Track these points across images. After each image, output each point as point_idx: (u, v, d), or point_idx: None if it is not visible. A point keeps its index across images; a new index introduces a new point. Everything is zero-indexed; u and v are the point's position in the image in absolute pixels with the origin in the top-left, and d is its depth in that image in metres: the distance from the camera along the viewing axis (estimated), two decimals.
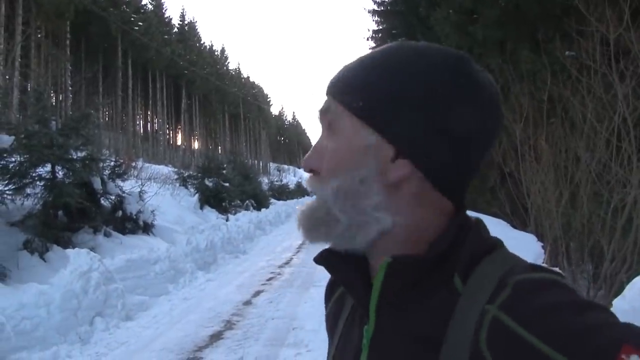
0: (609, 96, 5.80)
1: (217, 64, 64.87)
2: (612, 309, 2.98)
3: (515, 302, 0.51)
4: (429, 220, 0.60)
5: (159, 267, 7.49)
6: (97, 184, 9.16)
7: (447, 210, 0.61)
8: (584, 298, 0.52)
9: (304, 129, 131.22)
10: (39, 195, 7.90)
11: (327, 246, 0.66)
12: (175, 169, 24.11)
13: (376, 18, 19.72)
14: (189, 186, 18.45)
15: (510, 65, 7.91)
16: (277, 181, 41.16)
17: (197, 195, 16.96)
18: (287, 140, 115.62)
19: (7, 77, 25.40)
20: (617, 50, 5.81)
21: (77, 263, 5.70)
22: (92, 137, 9.46)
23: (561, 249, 6.37)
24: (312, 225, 0.63)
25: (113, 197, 9.78)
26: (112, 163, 10.43)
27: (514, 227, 8.29)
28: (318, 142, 0.66)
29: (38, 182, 8.00)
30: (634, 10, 5.68)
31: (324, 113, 0.65)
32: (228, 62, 71.01)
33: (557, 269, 0.57)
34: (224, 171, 19.59)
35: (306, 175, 0.69)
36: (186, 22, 58.65)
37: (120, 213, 9.82)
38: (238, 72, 77.24)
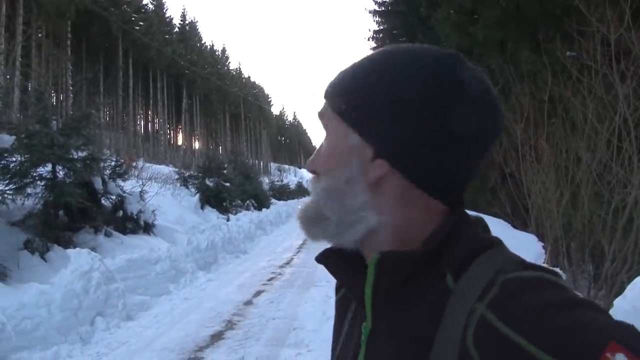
0: (609, 96, 5.80)
1: (218, 64, 64.91)
2: (613, 309, 2.99)
3: (503, 301, 0.51)
4: (416, 220, 0.61)
5: (159, 267, 7.50)
6: (98, 183, 9.16)
7: (440, 210, 0.61)
8: (575, 296, 0.51)
9: (305, 129, 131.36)
10: (40, 195, 7.91)
11: (328, 245, 0.68)
12: (176, 169, 24.14)
13: (377, 18, 19.75)
14: (190, 186, 18.47)
15: (510, 65, 7.91)
16: (277, 181, 41.20)
17: (197, 195, 16.98)
18: (288, 140, 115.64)
19: (8, 76, 25.42)
20: (618, 50, 5.81)
21: (78, 263, 5.71)
22: (93, 137, 9.46)
23: (562, 249, 6.36)
24: (308, 223, 0.66)
25: (114, 197, 9.78)
26: (113, 163, 10.44)
27: (515, 227, 8.28)
28: (319, 145, 0.69)
29: (39, 182, 8.00)
30: (634, 10, 5.68)
31: (321, 117, 0.67)
32: (229, 62, 71.12)
33: (553, 268, 0.57)
34: (225, 171, 19.60)
35: (308, 175, 0.70)
36: (187, 22, 58.70)
37: (121, 213, 9.83)
38: (239, 72, 77.31)
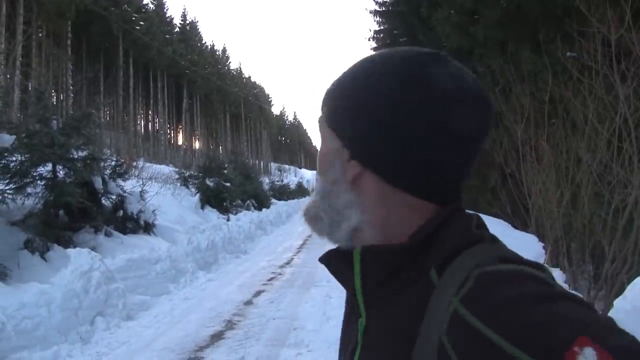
0: (610, 97, 5.80)
1: (219, 64, 64.90)
2: (613, 310, 2.99)
3: (476, 295, 0.51)
4: (399, 218, 0.62)
5: (160, 267, 7.50)
6: (98, 183, 9.17)
7: (428, 208, 0.62)
8: (553, 289, 0.51)
9: (305, 129, 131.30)
10: (40, 194, 7.91)
11: (330, 246, 0.71)
12: (176, 169, 24.16)
13: (377, 18, 19.72)
14: (190, 186, 18.48)
15: (511, 65, 7.90)
16: (278, 181, 41.17)
17: (198, 195, 16.98)
18: (288, 141, 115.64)
19: (8, 76, 25.41)
20: (619, 51, 5.80)
21: (78, 262, 5.71)
22: (93, 137, 9.46)
23: (562, 249, 6.36)
24: (309, 222, 0.70)
25: (114, 197, 9.79)
26: (113, 163, 10.44)
27: (515, 227, 8.28)
28: None
29: (39, 182, 8.00)
30: (635, 11, 5.67)
31: (318, 124, 0.72)
32: (229, 62, 71.09)
33: (537, 262, 0.55)
34: (225, 171, 19.60)
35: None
36: (188, 22, 58.69)
37: (121, 213, 9.83)
38: (239, 72, 77.31)
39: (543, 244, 6.76)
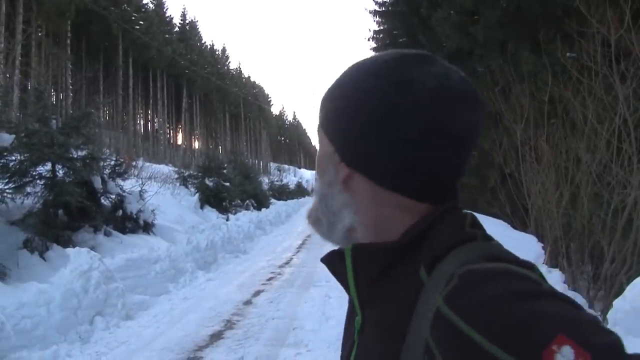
0: (609, 97, 5.80)
1: (218, 64, 64.86)
2: (613, 310, 2.99)
3: (458, 293, 0.51)
4: (390, 218, 0.63)
5: (159, 267, 7.49)
6: (97, 183, 9.16)
7: (420, 208, 0.62)
8: (537, 287, 0.51)
9: (305, 129, 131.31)
10: (39, 194, 7.91)
11: (331, 247, 0.72)
12: (176, 169, 24.16)
13: (377, 18, 19.71)
14: (190, 186, 18.47)
15: (511, 66, 7.91)
16: (277, 181, 41.18)
17: (197, 194, 16.97)
18: (287, 140, 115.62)
19: (7, 75, 25.38)
20: (618, 51, 5.81)
21: (78, 262, 5.70)
22: (93, 136, 9.46)
23: (561, 249, 6.37)
24: (313, 225, 0.72)
25: (113, 196, 9.78)
26: (113, 162, 10.43)
27: (515, 227, 8.29)
28: None
29: (38, 181, 8.00)
30: (634, 11, 5.67)
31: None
32: (229, 62, 71.05)
33: (528, 261, 0.55)
34: (225, 171, 19.59)
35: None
36: (187, 22, 58.65)
37: (120, 212, 9.83)
38: (239, 71, 77.26)
39: (542, 245, 6.77)
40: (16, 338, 4.50)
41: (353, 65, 0.68)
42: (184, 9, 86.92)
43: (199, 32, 60.63)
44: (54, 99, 32.54)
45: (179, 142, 60.32)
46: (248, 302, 6.73)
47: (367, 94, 0.62)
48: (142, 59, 45.27)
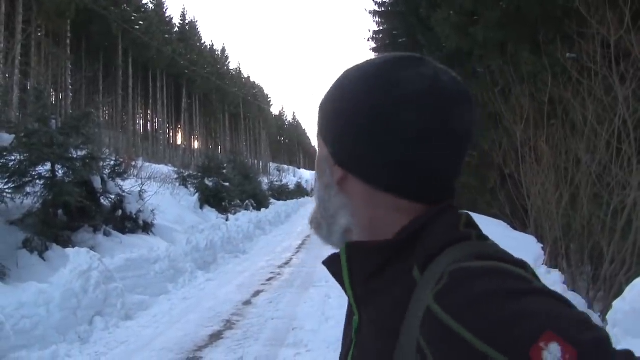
0: (609, 98, 5.79)
1: (218, 64, 64.84)
2: (612, 311, 2.99)
3: (448, 291, 0.52)
4: (385, 219, 0.64)
5: (158, 267, 7.49)
6: (97, 183, 9.16)
7: (415, 208, 0.63)
8: (526, 285, 0.51)
9: (304, 130, 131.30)
10: (39, 193, 7.91)
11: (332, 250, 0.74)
12: (175, 169, 24.13)
13: (377, 19, 19.72)
14: (189, 186, 18.47)
15: (511, 66, 7.90)
16: (277, 181, 41.17)
17: (197, 194, 16.97)
18: (287, 141, 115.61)
19: (7, 75, 25.38)
20: (618, 52, 5.80)
21: (77, 262, 5.70)
22: (92, 136, 9.46)
23: (561, 250, 6.36)
24: (314, 229, 0.73)
25: (113, 196, 9.78)
26: (112, 162, 10.44)
27: (514, 228, 8.28)
28: None
29: (38, 181, 8.00)
30: (634, 12, 5.67)
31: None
32: (229, 62, 71.03)
33: (520, 259, 0.56)
34: (224, 171, 19.60)
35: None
36: (187, 22, 58.64)
37: (120, 212, 9.83)
38: (238, 72, 77.25)
39: (542, 245, 6.76)
40: (15, 338, 4.50)
41: (346, 71, 0.70)
42: (184, 9, 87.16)
43: (199, 32, 60.64)
44: (53, 98, 32.54)
45: (179, 142, 60.32)
46: (247, 303, 6.73)
47: (358, 97, 0.63)
48: (141, 59, 45.26)
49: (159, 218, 11.22)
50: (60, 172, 8.29)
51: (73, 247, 6.52)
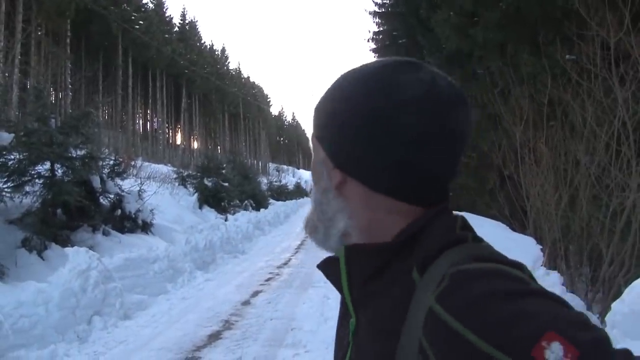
0: (608, 100, 5.80)
1: (218, 64, 64.81)
2: (611, 312, 3.00)
3: (449, 293, 0.53)
4: (383, 221, 0.64)
5: (157, 267, 7.49)
6: (96, 182, 9.16)
7: (412, 210, 0.64)
8: (523, 287, 0.52)
9: (304, 130, 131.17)
10: (38, 193, 7.90)
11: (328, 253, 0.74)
12: (175, 168, 24.13)
13: (377, 19, 19.70)
14: (188, 186, 18.47)
15: (510, 67, 7.91)
16: (276, 181, 41.20)
17: (196, 194, 16.97)
18: (286, 141, 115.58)
19: (7, 74, 25.35)
20: (617, 54, 5.81)
21: (76, 261, 5.70)
22: (92, 136, 9.46)
23: (560, 251, 6.37)
24: (309, 232, 0.73)
25: (112, 196, 9.78)
26: (112, 162, 10.43)
27: (513, 229, 8.28)
28: None
29: (37, 180, 7.99)
30: (634, 14, 5.68)
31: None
32: (228, 62, 71.00)
33: (517, 261, 0.57)
34: (223, 171, 19.60)
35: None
36: (187, 22, 58.61)
37: (119, 212, 9.82)
38: (238, 72, 77.23)
39: (541, 246, 6.76)
40: (14, 337, 4.50)
41: (343, 74, 0.70)
42: (184, 8, 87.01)
43: (199, 32, 60.61)
44: (53, 98, 32.50)
45: (178, 142, 60.28)
46: (246, 303, 6.73)
47: (357, 100, 0.64)
48: (141, 59, 45.23)
49: (158, 218, 11.22)
50: (59, 171, 8.29)
51: (72, 246, 6.52)
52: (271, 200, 27.94)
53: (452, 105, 0.63)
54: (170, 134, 60.11)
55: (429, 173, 0.63)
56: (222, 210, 17.59)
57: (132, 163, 18.64)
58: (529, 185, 7.36)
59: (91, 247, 7.10)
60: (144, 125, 55.06)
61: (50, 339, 4.82)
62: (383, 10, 19.36)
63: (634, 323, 2.67)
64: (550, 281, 4.80)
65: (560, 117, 6.85)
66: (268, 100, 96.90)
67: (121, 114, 46.08)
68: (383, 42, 19.86)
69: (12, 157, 7.73)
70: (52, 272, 5.82)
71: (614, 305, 2.98)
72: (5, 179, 7.55)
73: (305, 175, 75.94)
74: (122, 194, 10.08)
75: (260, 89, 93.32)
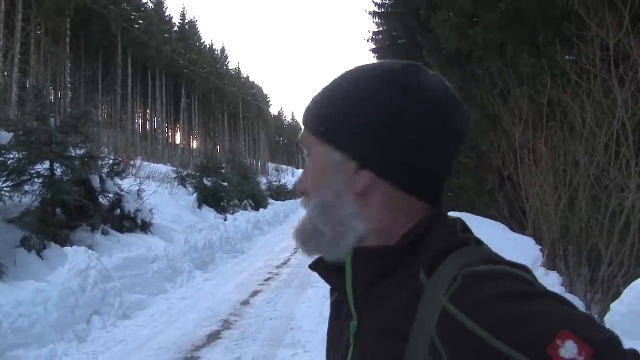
0: (608, 101, 5.80)
1: (217, 64, 64.80)
2: (611, 313, 3.00)
3: (463, 293, 0.54)
4: (400, 223, 0.65)
5: (157, 266, 7.49)
6: (95, 182, 9.15)
7: (421, 210, 0.65)
8: (536, 288, 0.54)
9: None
10: (38, 192, 7.90)
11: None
12: (174, 168, 24.10)
13: (376, 20, 19.69)
14: (188, 185, 18.46)
15: (510, 68, 7.90)
16: (275, 181, 41.15)
17: (195, 194, 16.96)
18: (286, 141, 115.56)
19: (6, 73, 25.34)
20: (617, 55, 5.81)
21: (75, 261, 5.70)
22: (91, 135, 9.45)
23: (559, 252, 6.37)
24: (305, 239, 0.69)
25: (111, 196, 9.78)
26: (111, 161, 10.43)
27: (513, 230, 8.28)
28: (303, 168, 0.74)
29: (36, 180, 7.99)
30: (634, 16, 5.68)
31: (301, 142, 0.72)
32: (228, 62, 70.99)
33: (522, 264, 0.58)
34: (223, 171, 19.59)
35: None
36: (187, 21, 58.61)
37: (118, 211, 9.82)
38: (238, 71, 77.21)
39: (540, 247, 6.76)
40: (13, 336, 4.50)
41: (354, 74, 0.69)
42: (184, 8, 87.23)
43: (199, 31, 60.60)
44: (52, 97, 32.52)
45: (178, 141, 60.28)
46: (246, 303, 6.73)
47: (387, 101, 0.64)
48: (141, 58, 45.21)
49: (157, 217, 11.22)
50: (58, 170, 8.28)
51: (71, 246, 6.52)
52: (270, 200, 27.93)
53: (459, 107, 0.67)
54: (170, 133, 60.11)
55: (445, 171, 0.66)
56: (221, 210, 17.59)
57: (132, 163, 18.63)
58: (528, 186, 7.37)
59: (90, 247, 7.09)
60: (144, 124, 55.05)
61: (49, 339, 4.81)
62: (383, 10, 19.35)
63: (633, 324, 2.68)
64: (550, 282, 4.80)
65: (560, 118, 6.85)
66: (268, 100, 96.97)
67: (121, 114, 46.05)
68: (383, 42, 19.86)
69: (12, 156, 7.73)
70: (51, 271, 5.82)
71: (613, 306, 2.98)
72: (4, 178, 7.54)
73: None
74: (122, 193, 10.08)
75: (259, 89, 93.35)
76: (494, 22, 8.22)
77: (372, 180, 0.64)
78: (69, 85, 35.34)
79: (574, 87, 6.35)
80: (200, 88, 56.27)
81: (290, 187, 43.60)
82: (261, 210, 20.87)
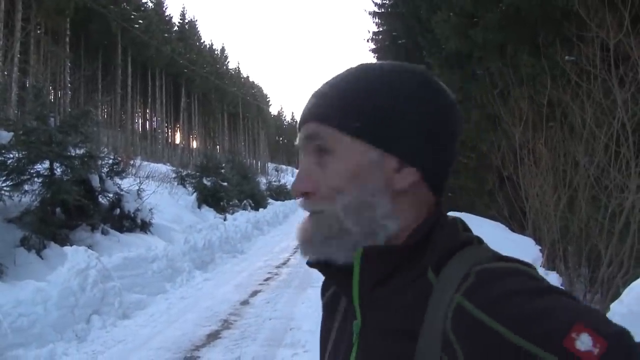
0: (608, 101, 5.80)
1: (217, 63, 64.79)
2: (610, 313, 3.00)
3: (477, 289, 0.55)
4: (416, 220, 0.66)
5: (156, 266, 7.49)
6: (95, 181, 9.15)
7: (431, 207, 0.68)
8: (547, 284, 0.55)
9: None
10: (37, 192, 7.90)
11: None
12: (174, 168, 24.10)
13: (376, 20, 19.69)
14: (187, 185, 18.46)
15: (510, 68, 7.90)
16: (275, 181, 41.16)
17: (195, 194, 16.96)
18: (285, 141, 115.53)
19: (6, 73, 25.33)
20: (617, 55, 5.81)
21: (75, 260, 5.69)
22: (91, 135, 9.45)
23: (559, 252, 6.37)
24: (324, 240, 0.65)
25: (111, 195, 9.78)
26: (111, 161, 10.43)
27: (512, 230, 8.28)
28: (306, 167, 0.69)
29: (36, 179, 7.99)
30: (633, 16, 5.68)
31: (312, 138, 0.67)
32: (228, 62, 71.00)
33: (527, 261, 0.60)
34: (222, 170, 19.59)
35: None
36: (186, 21, 58.60)
37: (118, 211, 9.82)
38: (237, 71, 77.21)
39: (540, 247, 6.77)
40: (13, 336, 4.50)
41: (377, 70, 0.67)
42: (184, 8, 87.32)
43: (198, 31, 60.59)
44: (52, 97, 32.47)
45: (177, 141, 60.27)
46: (245, 302, 6.73)
47: (426, 101, 0.66)
48: (141, 58, 45.20)
49: (156, 217, 11.21)
50: (58, 170, 8.28)
51: (71, 245, 6.52)
52: (270, 200, 27.95)
53: (458, 109, 0.71)
54: (170, 133, 60.10)
55: (449, 172, 0.70)
56: (221, 210, 17.58)
57: (131, 162, 18.62)
58: (528, 186, 7.37)
59: (90, 246, 7.09)
60: (143, 124, 55.03)
61: (48, 338, 4.81)
62: (383, 10, 19.34)
63: (633, 324, 2.68)
64: (549, 282, 4.79)
65: (560, 118, 6.85)
66: (267, 100, 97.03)
67: (120, 113, 46.03)
68: (383, 42, 19.86)
69: (11, 155, 7.72)
70: (51, 271, 5.82)
71: (613, 306, 2.98)
72: (4, 178, 7.54)
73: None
74: (121, 193, 10.08)
75: (259, 89, 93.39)
76: (494, 22, 8.22)
77: (416, 178, 0.65)
78: (69, 85, 35.33)
79: (573, 87, 6.35)
80: (200, 88, 56.27)
81: (289, 187, 43.63)
82: (260, 210, 20.88)
